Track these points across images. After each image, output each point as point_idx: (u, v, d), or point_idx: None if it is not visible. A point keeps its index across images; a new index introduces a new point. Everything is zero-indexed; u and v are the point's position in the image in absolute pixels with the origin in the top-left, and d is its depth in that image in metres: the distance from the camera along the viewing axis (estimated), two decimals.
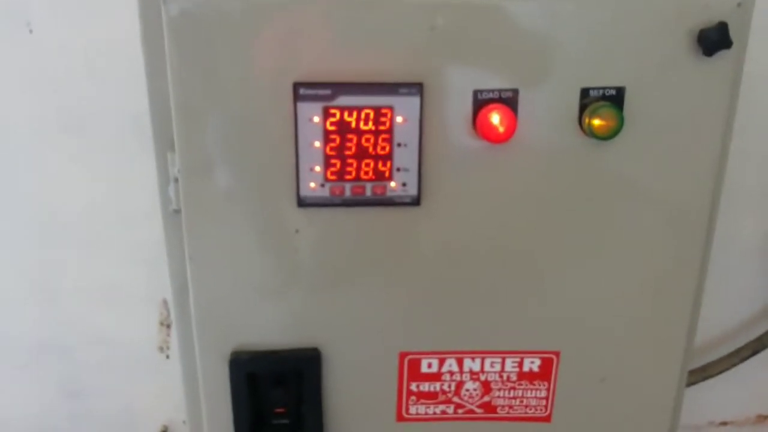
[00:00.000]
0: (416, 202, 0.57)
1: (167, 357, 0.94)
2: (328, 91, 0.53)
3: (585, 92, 0.55)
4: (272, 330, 0.61)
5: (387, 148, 0.55)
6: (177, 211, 0.58)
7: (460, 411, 0.66)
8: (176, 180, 0.57)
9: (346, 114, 0.54)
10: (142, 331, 0.93)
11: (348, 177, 0.56)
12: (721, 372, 0.93)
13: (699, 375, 0.93)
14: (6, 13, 0.79)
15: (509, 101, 0.55)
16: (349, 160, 0.55)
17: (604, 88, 0.55)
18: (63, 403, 0.97)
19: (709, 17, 0.54)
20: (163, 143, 0.57)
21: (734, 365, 0.93)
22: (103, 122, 0.83)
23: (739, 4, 0.54)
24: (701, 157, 0.59)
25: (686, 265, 0.62)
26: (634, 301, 0.63)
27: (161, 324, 0.93)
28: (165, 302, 0.91)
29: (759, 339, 0.93)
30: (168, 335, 0.93)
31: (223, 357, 0.61)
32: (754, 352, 0.92)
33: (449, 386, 0.65)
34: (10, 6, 0.79)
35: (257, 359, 0.61)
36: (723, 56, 0.55)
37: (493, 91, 0.55)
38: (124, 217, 0.87)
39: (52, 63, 0.81)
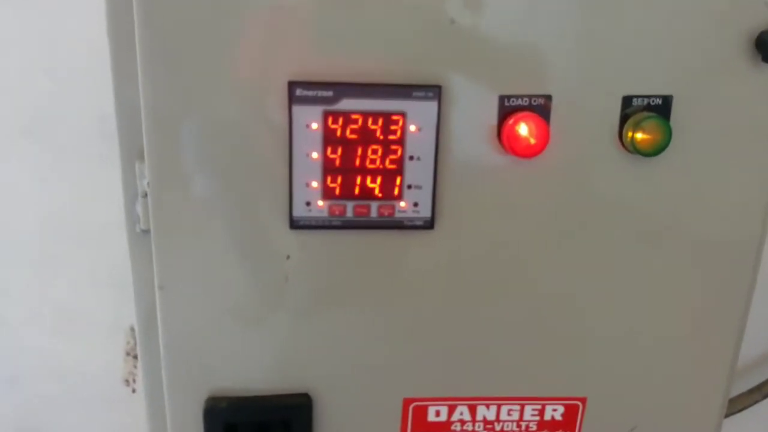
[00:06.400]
0: (429, 225, 0.52)
1: (133, 391, 0.90)
2: (329, 93, 0.48)
3: (627, 101, 0.51)
4: (256, 372, 0.55)
5: (397, 162, 0.50)
6: (146, 232, 0.53)
7: None
8: (145, 195, 0.51)
9: (350, 120, 0.49)
10: (106, 361, 0.89)
11: (350, 194, 0.50)
12: (742, 409, 0.90)
13: None
14: None
15: (541, 109, 0.50)
16: (353, 175, 0.50)
17: (649, 97, 0.51)
18: None
19: None
20: (131, 152, 0.52)
21: (756, 402, 0.90)
22: (64, 125, 0.79)
23: None
24: (755, 176, 0.54)
25: (729, 302, 0.57)
26: (670, 342, 0.58)
27: (127, 354, 0.89)
28: (132, 330, 0.88)
29: None
30: (135, 366, 0.90)
31: (197, 404, 0.55)
32: None
33: None
34: None
35: (237, 407, 0.55)
36: None
37: (522, 97, 0.50)
38: (85, 233, 0.83)
39: (8, 59, 0.77)
